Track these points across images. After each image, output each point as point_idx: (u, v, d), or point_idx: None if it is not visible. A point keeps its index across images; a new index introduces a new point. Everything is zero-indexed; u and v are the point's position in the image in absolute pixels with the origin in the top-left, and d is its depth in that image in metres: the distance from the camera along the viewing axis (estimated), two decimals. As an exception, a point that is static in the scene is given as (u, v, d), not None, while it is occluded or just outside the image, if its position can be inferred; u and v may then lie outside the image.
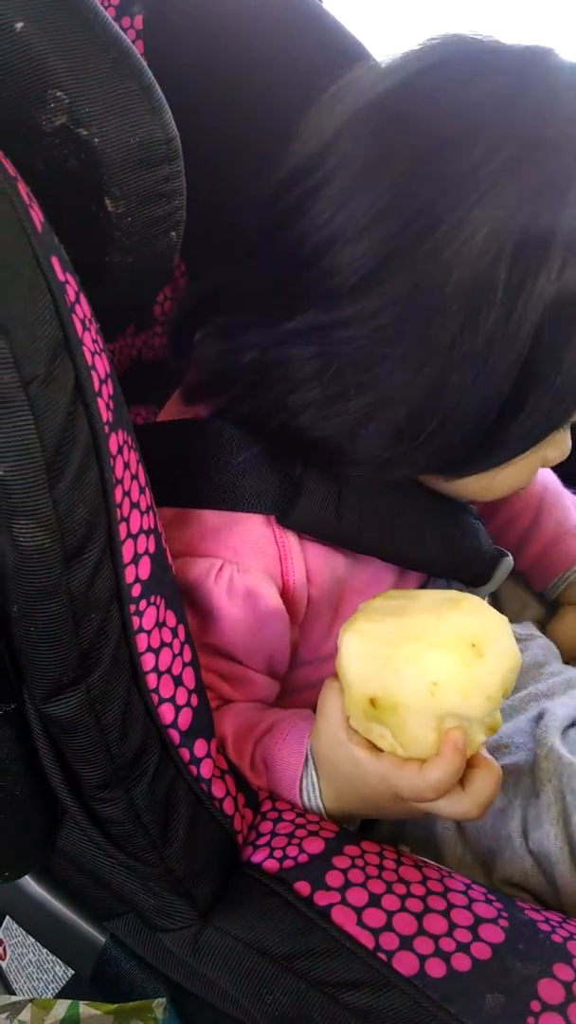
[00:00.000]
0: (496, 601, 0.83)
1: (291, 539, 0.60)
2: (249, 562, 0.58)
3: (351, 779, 0.52)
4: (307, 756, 0.56)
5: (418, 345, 0.50)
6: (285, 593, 0.60)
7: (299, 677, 0.66)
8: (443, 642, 0.46)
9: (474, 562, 0.66)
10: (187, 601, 0.58)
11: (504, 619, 0.49)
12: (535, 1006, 0.45)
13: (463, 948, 0.47)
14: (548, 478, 0.84)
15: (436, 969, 0.47)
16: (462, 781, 0.49)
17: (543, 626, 0.81)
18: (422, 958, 0.47)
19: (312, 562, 0.61)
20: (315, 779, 0.56)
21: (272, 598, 0.59)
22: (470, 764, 0.49)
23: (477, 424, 0.52)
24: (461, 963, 0.47)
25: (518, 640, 0.73)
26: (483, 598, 0.67)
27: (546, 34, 0.56)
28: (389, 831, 0.65)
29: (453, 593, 0.50)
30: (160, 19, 0.71)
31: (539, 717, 0.65)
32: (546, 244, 0.48)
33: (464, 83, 0.51)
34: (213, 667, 0.60)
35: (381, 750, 0.50)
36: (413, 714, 0.47)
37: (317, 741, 0.54)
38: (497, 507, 0.81)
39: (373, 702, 0.48)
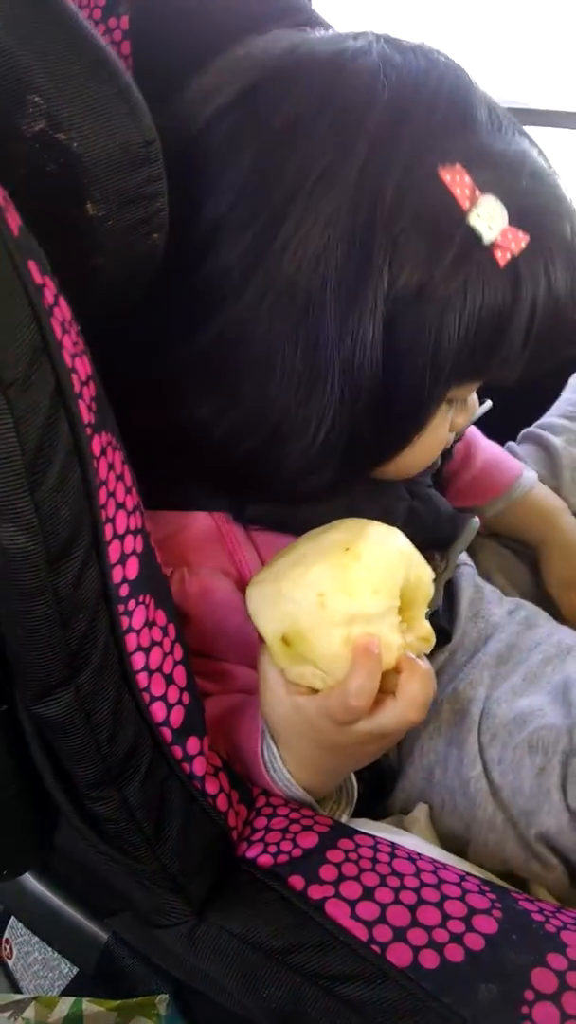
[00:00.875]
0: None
1: (237, 531, 0.61)
2: (198, 562, 0.60)
3: (301, 730, 0.53)
4: (263, 729, 0.56)
5: (284, 346, 0.53)
6: (243, 582, 0.61)
7: None
8: (319, 557, 0.49)
9: (438, 527, 0.68)
10: None
11: (386, 526, 0.51)
12: (529, 995, 0.45)
13: (456, 939, 0.48)
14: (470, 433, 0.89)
15: (430, 960, 0.47)
16: (393, 690, 0.50)
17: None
18: (416, 949, 0.47)
19: (264, 548, 0.62)
20: (273, 747, 0.55)
21: (226, 591, 0.60)
22: (396, 670, 0.50)
23: (368, 414, 0.54)
24: (454, 954, 0.47)
25: (507, 603, 0.74)
26: (456, 564, 0.70)
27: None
28: (412, 796, 0.66)
29: (335, 522, 0.52)
30: (147, 19, 0.71)
31: (563, 686, 0.66)
32: (371, 233, 0.51)
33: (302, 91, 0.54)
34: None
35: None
36: (318, 634, 0.48)
37: (265, 707, 0.54)
38: None
39: (285, 640, 0.49)
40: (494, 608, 0.76)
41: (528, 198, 0.53)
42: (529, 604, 0.78)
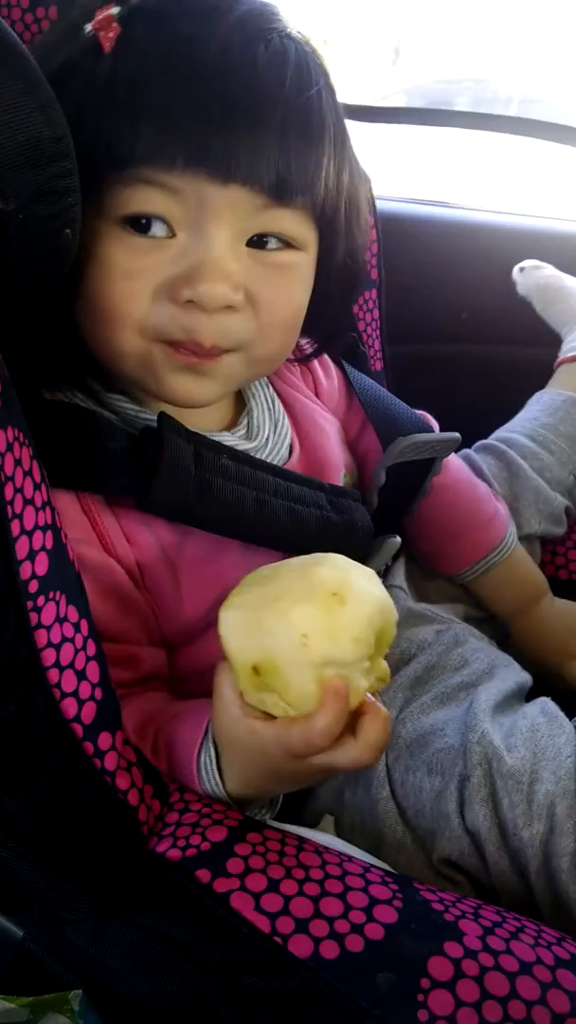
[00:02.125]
0: (423, 595, 0.85)
1: (98, 506, 0.61)
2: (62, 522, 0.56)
3: (251, 753, 0.53)
4: (205, 732, 0.56)
5: None
6: (110, 554, 0.61)
7: (183, 661, 0.66)
8: (306, 596, 0.49)
9: (351, 542, 0.66)
10: None
11: (367, 569, 0.51)
12: (424, 983, 0.46)
13: (357, 929, 0.49)
14: (462, 471, 0.87)
15: (330, 951, 0.48)
16: (353, 730, 0.50)
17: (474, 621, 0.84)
18: (317, 940, 0.48)
19: (128, 527, 0.62)
20: (212, 755, 0.55)
21: (95, 556, 0.60)
22: (358, 712, 0.51)
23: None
24: (354, 944, 0.48)
25: (438, 623, 0.75)
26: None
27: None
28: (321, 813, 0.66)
29: (319, 556, 0.52)
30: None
31: (469, 704, 0.67)
32: None
33: None
34: None
35: (275, 719, 0.51)
36: (293, 670, 0.49)
37: (216, 723, 0.54)
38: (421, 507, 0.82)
39: (256, 669, 0.49)
40: (421, 629, 0.76)
41: None
42: (461, 624, 0.79)
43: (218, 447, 0.63)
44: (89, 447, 0.60)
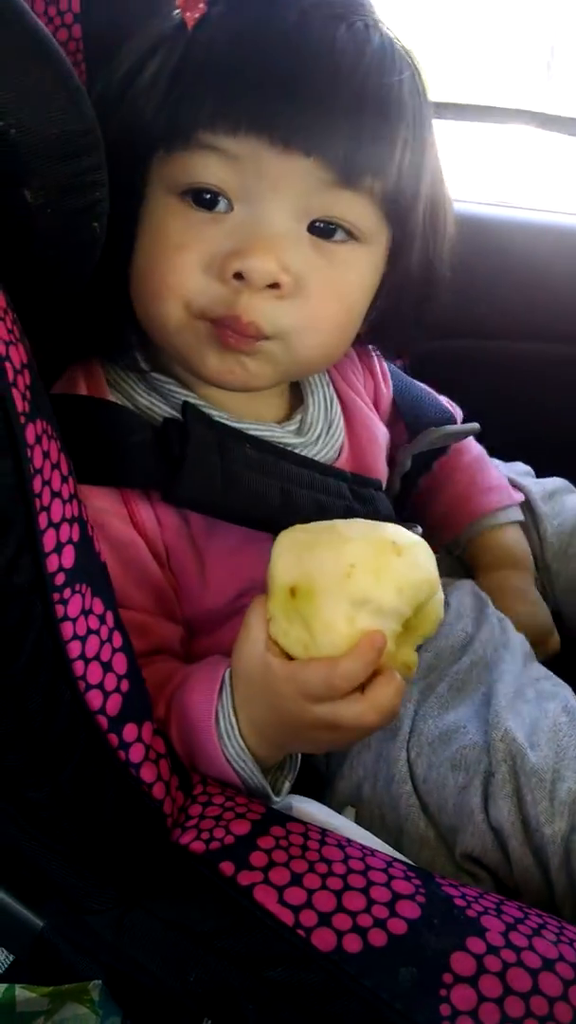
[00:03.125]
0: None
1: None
2: (88, 500, 0.57)
3: (263, 691, 0.53)
4: (222, 683, 0.56)
5: None
6: (139, 531, 0.61)
7: (202, 653, 0.65)
8: (366, 538, 0.50)
9: None
10: None
11: (431, 550, 0.52)
12: (447, 978, 0.47)
13: (380, 924, 0.49)
14: (476, 450, 0.88)
15: (353, 944, 0.48)
16: (362, 687, 0.51)
17: None
18: (340, 934, 0.48)
19: (160, 509, 0.62)
20: (231, 709, 0.55)
21: (120, 529, 0.60)
22: (373, 673, 0.51)
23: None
24: (377, 938, 0.48)
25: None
26: None
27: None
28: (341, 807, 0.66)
29: (386, 524, 0.53)
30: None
31: (487, 698, 0.67)
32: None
33: None
34: None
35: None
36: (328, 598, 0.49)
37: (237, 655, 0.54)
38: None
39: (293, 591, 0.50)
40: None
41: None
42: (458, 601, 0.78)
43: (239, 435, 0.62)
44: (112, 441, 0.60)
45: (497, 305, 1.08)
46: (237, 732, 0.56)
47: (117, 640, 0.53)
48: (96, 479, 0.59)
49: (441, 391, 0.87)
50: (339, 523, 0.52)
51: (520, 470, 0.92)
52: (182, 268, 0.57)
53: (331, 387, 0.74)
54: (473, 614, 0.75)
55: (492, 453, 0.91)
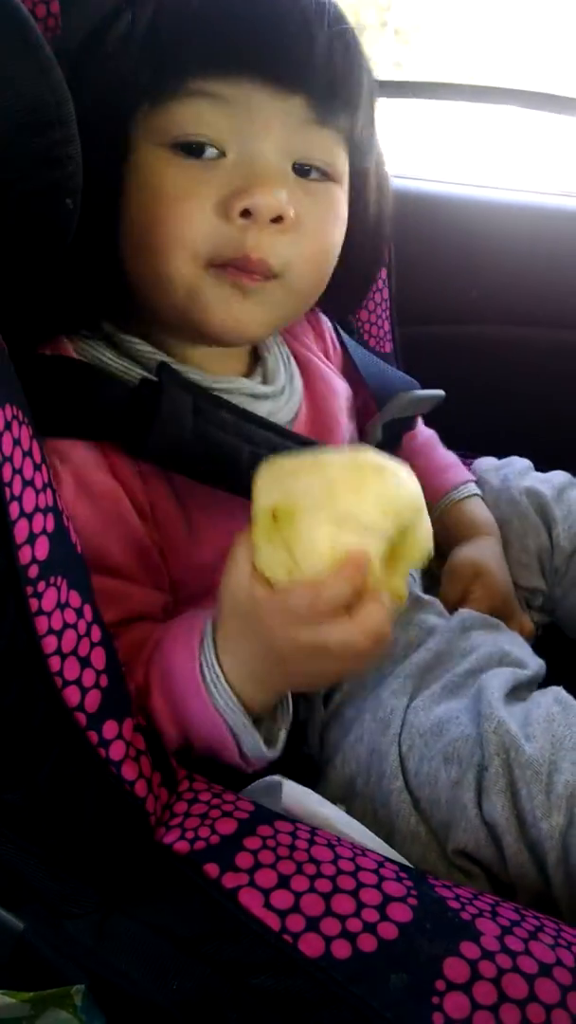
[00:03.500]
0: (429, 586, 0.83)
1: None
2: (69, 453, 0.57)
3: (251, 624, 0.52)
4: (202, 634, 0.55)
5: None
6: (119, 480, 0.60)
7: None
8: (348, 460, 0.50)
9: None
10: None
11: (411, 471, 0.51)
12: (440, 985, 0.45)
13: (370, 928, 0.47)
14: (427, 432, 0.90)
15: (342, 950, 0.46)
16: (349, 611, 0.49)
17: None
18: (328, 939, 0.46)
19: (142, 465, 0.61)
20: (214, 660, 0.54)
21: (102, 481, 0.59)
22: (359, 595, 0.49)
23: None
24: (367, 944, 0.46)
25: (436, 615, 0.74)
26: None
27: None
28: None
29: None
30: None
31: (479, 692, 0.65)
32: None
33: None
34: None
35: None
36: (310, 518, 0.48)
37: (224, 590, 0.53)
38: None
39: (274, 514, 0.49)
40: (430, 615, 0.74)
41: None
42: (470, 612, 0.76)
43: (219, 401, 0.63)
44: (85, 399, 0.60)
45: (485, 290, 1.06)
46: (224, 681, 0.54)
47: (96, 634, 0.51)
48: (76, 433, 0.59)
49: (425, 379, 0.85)
50: (322, 451, 0.51)
51: (520, 466, 0.90)
52: (189, 216, 0.58)
53: (285, 346, 0.77)
54: (482, 630, 0.74)
55: (476, 441, 0.90)
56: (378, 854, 0.53)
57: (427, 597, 0.77)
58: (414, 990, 0.45)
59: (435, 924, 0.47)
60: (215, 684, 0.55)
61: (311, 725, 0.67)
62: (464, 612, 0.75)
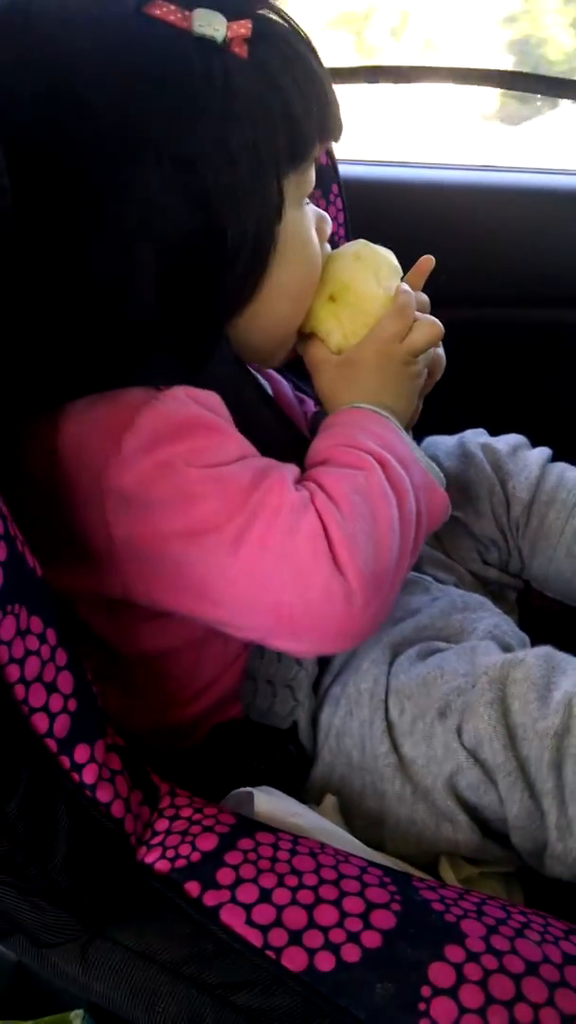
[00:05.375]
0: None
1: None
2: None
3: (367, 374, 0.65)
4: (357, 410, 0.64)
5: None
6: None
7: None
8: (357, 248, 0.69)
9: None
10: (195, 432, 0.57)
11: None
12: (425, 991, 0.44)
13: (353, 938, 0.46)
14: None
15: (325, 963, 0.45)
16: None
17: None
18: (311, 952, 0.46)
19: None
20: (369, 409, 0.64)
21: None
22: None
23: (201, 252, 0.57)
24: (350, 954, 0.46)
25: (433, 592, 0.73)
26: None
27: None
28: (331, 782, 0.65)
29: None
30: None
31: (472, 649, 0.66)
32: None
33: None
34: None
35: None
36: (357, 279, 0.67)
37: (321, 384, 0.68)
38: None
39: (332, 297, 0.67)
40: (415, 597, 0.74)
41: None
42: (457, 591, 0.77)
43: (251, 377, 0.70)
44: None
45: (453, 275, 1.05)
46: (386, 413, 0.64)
47: (61, 658, 0.51)
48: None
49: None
50: (329, 253, 0.69)
51: (476, 431, 0.90)
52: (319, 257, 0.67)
53: None
54: (466, 613, 0.73)
55: (450, 425, 0.89)
56: (361, 859, 0.52)
57: (411, 574, 0.76)
58: (400, 998, 0.44)
59: (419, 928, 0.47)
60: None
61: (300, 715, 0.66)
62: (454, 592, 0.75)
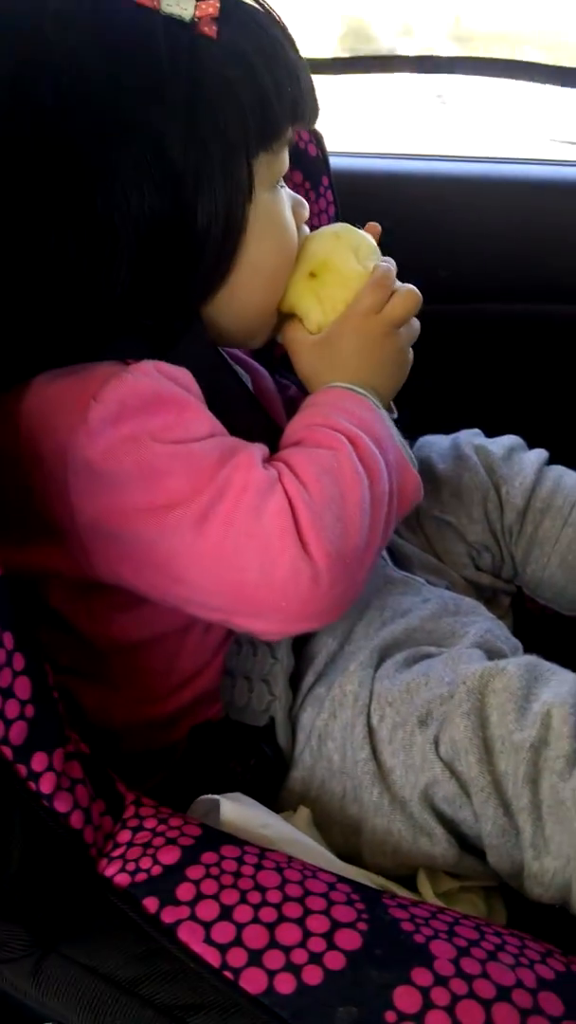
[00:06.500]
0: (403, 566, 0.80)
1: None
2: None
3: (345, 351, 0.65)
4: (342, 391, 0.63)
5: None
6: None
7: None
8: (336, 228, 0.69)
9: None
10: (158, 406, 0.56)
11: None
12: (390, 1016, 0.42)
13: (315, 959, 0.44)
14: None
15: (285, 985, 0.43)
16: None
17: None
18: (271, 973, 0.44)
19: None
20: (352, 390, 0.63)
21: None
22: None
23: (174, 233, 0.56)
24: (312, 976, 0.43)
25: (423, 594, 0.72)
26: None
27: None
28: (311, 787, 0.63)
29: None
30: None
31: (455, 656, 0.63)
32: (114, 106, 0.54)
33: None
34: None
35: None
36: (336, 256, 0.66)
37: (302, 365, 0.67)
38: None
39: (313, 274, 0.66)
40: (406, 597, 0.72)
41: None
42: (449, 593, 0.75)
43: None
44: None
45: (454, 265, 1.02)
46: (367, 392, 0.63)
47: (18, 662, 0.49)
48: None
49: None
50: (308, 235, 0.68)
51: (470, 432, 0.87)
52: (295, 240, 0.66)
53: None
54: (458, 617, 0.71)
55: (445, 423, 0.86)
56: (331, 874, 0.50)
57: (400, 575, 0.75)
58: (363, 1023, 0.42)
59: (386, 950, 0.44)
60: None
61: (276, 711, 0.64)
62: (446, 595, 0.73)
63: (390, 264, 0.67)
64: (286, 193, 0.66)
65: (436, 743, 0.58)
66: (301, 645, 0.66)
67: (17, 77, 0.53)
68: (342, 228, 0.69)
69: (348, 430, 0.59)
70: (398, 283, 0.66)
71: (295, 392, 0.79)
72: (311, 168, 0.90)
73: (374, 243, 0.69)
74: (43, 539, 0.58)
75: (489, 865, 0.57)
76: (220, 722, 0.66)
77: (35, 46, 0.54)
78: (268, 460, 0.58)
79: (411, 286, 0.66)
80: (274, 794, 0.63)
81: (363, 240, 0.68)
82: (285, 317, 0.68)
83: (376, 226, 0.71)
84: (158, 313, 0.60)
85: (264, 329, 0.68)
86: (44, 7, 0.54)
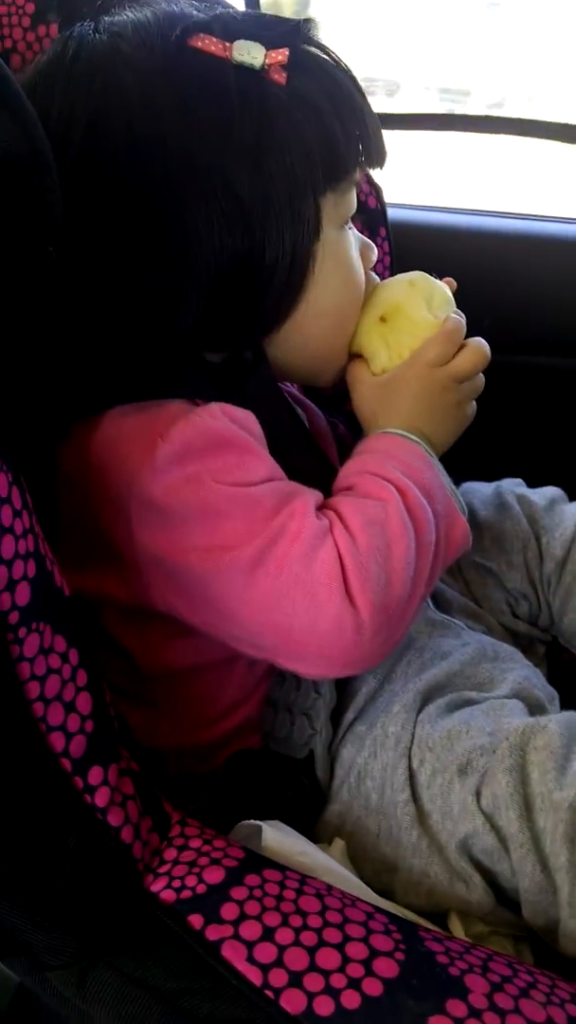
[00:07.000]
0: (444, 609, 0.81)
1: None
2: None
3: (399, 392, 0.66)
4: (399, 438, 0.64)
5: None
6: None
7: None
8: (411, 276, 0.70)
9: None
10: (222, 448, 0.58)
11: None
12: (425, 1045, 0.43)
13: (354, 984, 0.45)
14: None
15: (324, 1007, 0.45)
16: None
17: None
18: (310, 995, 0.45)
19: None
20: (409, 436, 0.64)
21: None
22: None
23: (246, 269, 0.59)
24: (350, 1000, 0.45)
25: (463, 637, 0.73)
26: None
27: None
28: (347, 822, 0.64)
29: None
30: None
31: (498, 707, 0.65)
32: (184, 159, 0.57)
33: None
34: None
35: None
36: (409, 303, 0.68)
37: (360, 402, 0.68)
38: None
39: (383, 318, 0.68)
40: (446, 639, 0.74)
41: (262, 28, 0.60)
42: (488, 639, 0.76)
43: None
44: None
45: (502, 318, 1.05)
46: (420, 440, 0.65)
47: (81, 679, 0.51)
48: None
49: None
50: (382, 282, 0.71)
51: (512, 481, 0.89)
52: (362, 282, 0.68)
53: None
54: (496, 663, 0.73)
55: (466, 467, 0.88)
56: (368, 904, 0.51)
57: (441, 617, 0.76)
58: (398, 1050, 0.43)
59: (422, 980, 0.46)
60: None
61: (316, 744, 0.66)
62: (485, 640, 0.75)
63: (461, 318, 0.68)
64: (354, 235, 0.68)
65: (478, 795, 0.59)
66: (343, 681, 0.68)
67: (94, 120, 0.56)
68: (418, 276, 0.70)
69: (398, 480, 0.60)
70: (468, 339, 0.67)
71: (343, 430, 0.81)
72: (370, 219, 0.93)
73: (449, 295, 0.70)
74: (104, 565, 0.60)
75: (523, 917, 0.58)
76: (259, 752, 0.67)
77: (110, 90, 0.56)
78: (320, 507, 0.60)
79: (481, 341, 0.68)
80: (310, 826, 0.65)
81: (437, 290, 0.69)
82: (352, 357, 0.70)
83: (452, 281, 0.72)
84: (225, 347, 0.62)
85: (331, 368, 0.70)
86: (117, 52, 0.57)
